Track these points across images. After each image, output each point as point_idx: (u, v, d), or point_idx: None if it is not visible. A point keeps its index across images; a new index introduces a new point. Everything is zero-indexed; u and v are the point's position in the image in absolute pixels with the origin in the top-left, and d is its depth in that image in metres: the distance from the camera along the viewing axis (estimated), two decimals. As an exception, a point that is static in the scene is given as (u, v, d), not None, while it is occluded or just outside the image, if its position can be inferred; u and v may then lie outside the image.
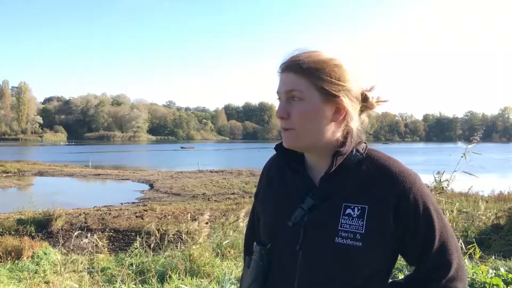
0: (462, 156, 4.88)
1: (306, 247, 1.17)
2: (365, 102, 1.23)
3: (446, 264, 1.15)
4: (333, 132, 1.18)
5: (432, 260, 1.15)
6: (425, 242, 1.15)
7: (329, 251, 1.14)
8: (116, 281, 5.11)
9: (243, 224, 7.10)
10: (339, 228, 1.14)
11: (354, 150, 1.19)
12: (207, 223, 6.82)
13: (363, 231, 1.12)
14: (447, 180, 5.17)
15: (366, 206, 1.14)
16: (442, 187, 5.21)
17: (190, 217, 8.85)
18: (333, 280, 1.14)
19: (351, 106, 1.18)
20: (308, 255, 1.17)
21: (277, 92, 1.21)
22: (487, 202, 12.27)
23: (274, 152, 1.38)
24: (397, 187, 1.14)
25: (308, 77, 1.15)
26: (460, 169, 4.99)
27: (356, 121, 1.21)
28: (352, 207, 1.15)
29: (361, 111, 1.24)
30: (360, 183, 1.16)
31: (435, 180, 5.24)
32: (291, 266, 1.19)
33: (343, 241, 1.13)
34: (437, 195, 5.14)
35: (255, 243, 1.28)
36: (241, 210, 8.07)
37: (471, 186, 11.46)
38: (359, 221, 1.13)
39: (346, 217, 1.14)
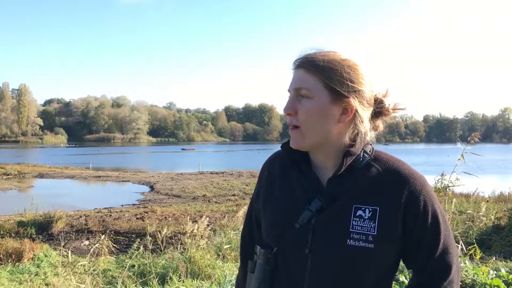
0: (459, 159, 4.85)
1: (316, 250, 1.15)
2: (379, 107, 1.22)
3: (448, 268, 1.16)
4: (339, 133, 1.17)
5: (435, 263, 1.15)
6: (430, 245, 1.15)
7: (341, 254, 1.13)
8: (117, 283, 5.11)
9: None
10: (350, 230, 1.13)
11: (362, 152, 1.19)
12: (208, 225, 6.80)
13: (375, 233, 1.11)
14: (451, 182, 5.14)
15: (378, 208, 1.13)
16: (446, 189, 5.19)
17: (190, 219, 8.84)
18: (343, 283, 1.14)
19: (361, 108, 1.16)
20: (318, 258, 1.15)
21: (288, 89, 1.20)
22: (487, 201, 12.26)
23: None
24: (407, 189, 1.14)
25: (318, 76, 1.14)
26: (458, 170, 4.97)
27: (367, 124, 1.20)
28: (363, 208, 1.14)
29: (376, 116, 1.23)
30: (370, 185, 1.16)
31: (438, 181, 5.21)
32: (300, 269, 1.17)
33: (355, 243, 1.12)
34: (440, 196, 5.12)
35: (258, 247, 1.25)
36: (240, 211, 8.04)
37: (477, 189, 11.46)
38: (371, 223, 1.12)
39: (357, 219, 1.13)
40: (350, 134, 1.19)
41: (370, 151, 1.20)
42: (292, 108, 1.17)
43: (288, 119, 1.19)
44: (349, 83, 1.14)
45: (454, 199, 5.68)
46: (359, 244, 1.11)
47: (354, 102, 1.15)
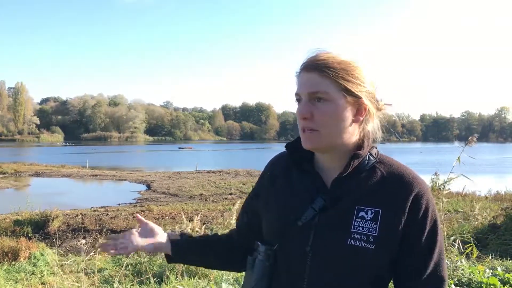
0: (456, 161, 4.89)
1: (316, 248, 1.16)
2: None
3: (441, 282, 1.17)
4: (352, 133, 1.19)
5: (429, 276, 1.16)
6: (425, 255, 1.16)
7: (341, 253, 1.14)
8: (114, 282, 5.10)
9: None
10: (352, 230, 1.14)
11: (368, 154, 1.20)
12: (204, 223, 6.80)
13: (376, 234, 1.12)
14: (444, 181, 5.17)
15: (380, 210, 1.14)
16: (439, 188, 5.22)
17: (187, 218, 8.84)
18: (342, 282, 1.14)
19: (371, 108, 1.19)
20: (318, 256, 1.16)
21: (298, 93, 1.19)
22: (486, 198, 12.33)
23: (271, 152, 1.38)
24: (412, 193, 1.15)
25: (333, 78, 1.14)
26: (455, 171, 5.00)
27: (375, 123, 1.22)
28: (365, 210, 1.15)
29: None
30: (373, 187, 1.17)
31: (432, 181, 5.25)
32: (300, 266, 1.18)
33: (356, 243, 1.12)
34: (434, 196, 5.15)
35: (259, 243, 1.26)
36: (230, 210, 8.01)
37: (465, 185, 11.55)
38: (373, 224, 1.13)
39: (359, 220, 1.14)
40: (359, 135, 1.21)
41: (375, 154, 1.22)
42: (309, 111, 1.16)
43: (302, 122, 1.17)
44: (360, 83, 1.16)
45: (445, 198, 5.70)
46: (359, 244, 1.12)
47: (366, 101, 1.18)
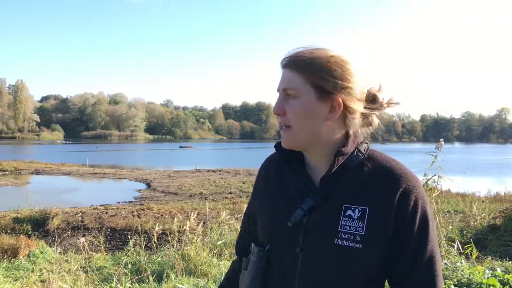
0: (429, 168, 4.99)
1: (306, 249, 1.15)
2: (373, 103, 1.18)
3: (434, 281, 1.13)
4: (329, 131, 1.16)
5: (420, 274, 1.12)
6: (416, 252, 1.12)
7: (329, 253, 1.12)
8: (113, 280, 5.10)
9: (237, 223, 7.07)
10: (339, 229, 1.11)
11: (356, 150, 1.17)
12: (204, 222, 6.80)
13: (363, 233, 1.09)
14: (433, 180, 5.23)
15: (367, 208, 1.11)
16: (430, 189, 5.25)
17: (186, 216, 8.83)
18: (333, 282, 1.13)
19: (350, 105, 1.14)
20: (308, 257, 1.14)
21: (277, 89, 1.19)
22: (483, 201, 12.35)
23: (271, 151, 1.36)
24: (399, 189, 1.11)
25: (304, 74, 1.12)
26: (437, 172, 5.09)
27: (357, 121, 1.18)
28: (352, 208, 1.12)
29: (370, 112, 1.19)
30: (361, 184, 1.14)
31: (422, 180, 5.29)
32: (291, 267, 1.17)
33: (343, 242, 1.10)
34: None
35: (253, 245, 1.26)
36: (223, 212, 7.98)
37: (449, 188, 11.60)
38: (360, 223, 1.10)
39: (346, 219, 1.12)
40: (342, 132, 1.18)
41: (364, 150, 1.18)
42: (281, 108, 1.16)
43: (279, 119, 1.18)
44: (335, 80, 1.12)
45: (438, 199, 5.76)
46: (346, 243, 1.10)
47: (342, 99, 1.13)
